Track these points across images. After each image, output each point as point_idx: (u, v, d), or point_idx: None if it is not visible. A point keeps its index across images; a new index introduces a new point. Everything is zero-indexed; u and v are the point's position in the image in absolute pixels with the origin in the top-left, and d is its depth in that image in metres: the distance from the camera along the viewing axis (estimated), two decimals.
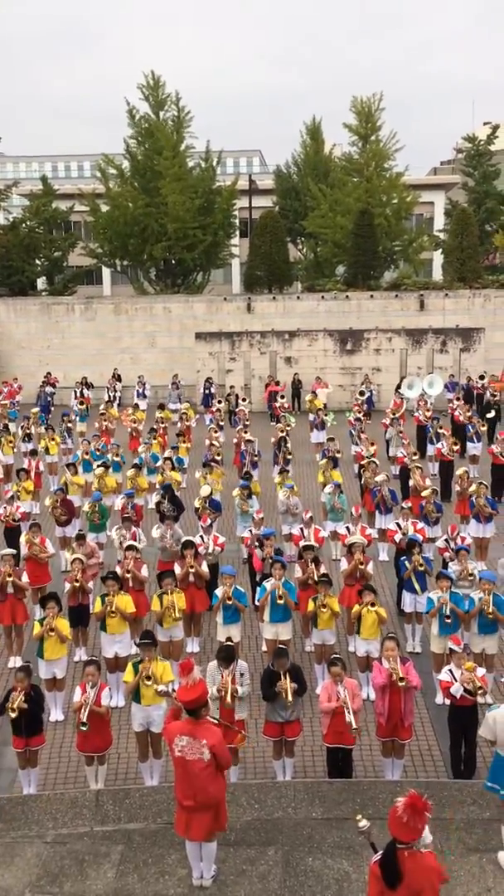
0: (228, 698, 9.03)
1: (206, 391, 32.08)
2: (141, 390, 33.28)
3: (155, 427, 23.38)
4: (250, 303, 37.69)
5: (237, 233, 44.28)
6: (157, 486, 18.57)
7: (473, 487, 16.28)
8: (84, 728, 9.00)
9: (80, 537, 14.29)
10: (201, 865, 7.58)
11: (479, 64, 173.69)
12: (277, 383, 33.16)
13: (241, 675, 9.25)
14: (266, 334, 35.25)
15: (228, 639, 11.39)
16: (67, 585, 12.58)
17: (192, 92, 66.14)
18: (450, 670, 9.39)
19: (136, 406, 28.21)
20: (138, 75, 44.47)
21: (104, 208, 40.17)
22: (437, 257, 45.37)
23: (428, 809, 5.67)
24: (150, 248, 39.36)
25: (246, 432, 22.34)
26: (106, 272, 48.57)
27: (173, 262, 41.18)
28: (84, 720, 8.97)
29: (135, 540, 13.82)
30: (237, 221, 43.38)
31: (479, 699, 9.30)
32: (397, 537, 14.20)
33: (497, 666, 11.94)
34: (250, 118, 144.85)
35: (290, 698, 9.00)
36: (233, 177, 43.60)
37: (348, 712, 8.82)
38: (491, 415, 24.59)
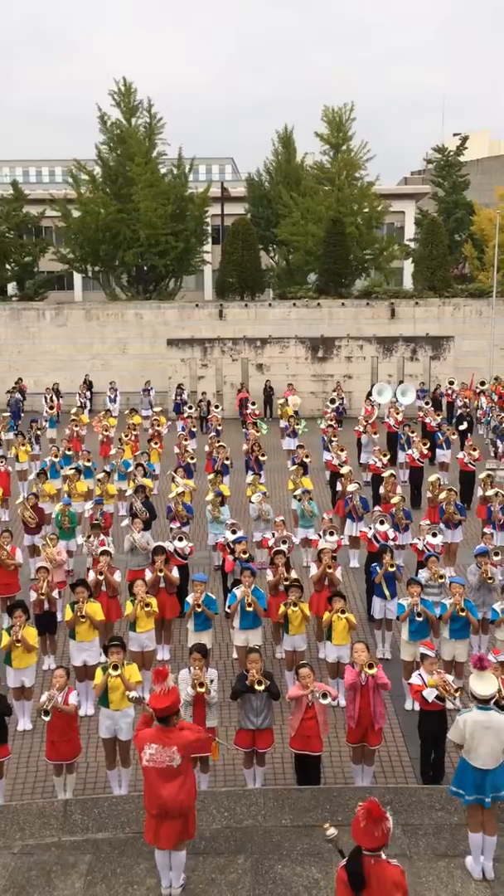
0: (200, 688, 9.04)
1: (178, 398, 32.02)
2: (112, 396, 33.14)
3: (126, 433, 23.28)
4: (222, 310, 37.72)
5: (209, 239, 44.31)
6: (128, 491, 18.53)
7: (444, 495, 16.42)
8: (46, 718, 8.91)
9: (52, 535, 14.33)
10: (170, 874, 7.53)
11: (449, 75, 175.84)
12: (247, 391, 33.26)
13: (211, 681, 9.25)
14: (238, 341, 35.30)
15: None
16: (34, 594, 12.48)
17: (164, 99, 66.39)
18: (420, 674, 9.45)
19: (108, 412, 28.08)
20: (110, 81, 44.40)
21: (75, 214, 40.01)
22: (408, 266, 45.80)
23: (384, 817, 5.70)
24: (122, 254, 39.26)
25: (218, 439, 22.35)
26: (77, 278, 48.36)
27: (145, 268, 41.12)
28: (48, 709, 8.89)
29: (104, 546, 13.75)
30: (209, 228, 43.41)
31: (449, 705, 9.37)
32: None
33: (467, 673, 12.02)
34: (223, 126, 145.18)
35: (259, 687, 8.99)
36: (205, 184, 43.67)
37: (315, 696, 8.88)
38: (463, 426, 24.83)
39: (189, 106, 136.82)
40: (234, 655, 12.49)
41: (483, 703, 7.77)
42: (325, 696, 8.98)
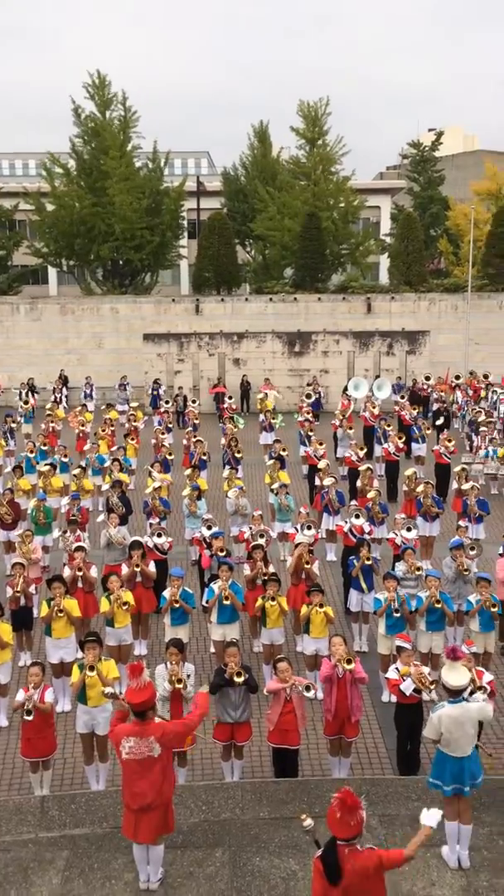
0: (177, 684, 9.04)
1: (154, 392, 31.93)
2: (88, 391, 32.96)
3: (102, 428, 23.17)
4: (198, 304, 37.63)
5: (185, 234, 44.17)
6: (103, 486, 18.47)
7: (421, 488, 16.54)
8: (29, 717, 8.87)
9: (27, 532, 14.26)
10: (148, 869, 7.53)
11: (425, 70, 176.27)
12: (224, 385, 33.29)
13: (188, 676, 9.25)
14: (214, 336, 35.23)
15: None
16: (9, 591, 12.40)
17: (139, 92, 65.98)
18: (396, 668, 9.51)
19: (84, 407, 27.97)
20: (84, 74, 44.02)
21: (50, 207, 39.70)
22: (384, 261, 45.96)
23: (358, 806, 5.74)
24: (97, 248, 39.02)
25: (195, 434, 22.33)
26: (52, 272, 48.02)
27: (121, 262, 40.90)
28: (29, 709, 8.85)
29: (80, 542, 13.68)
30: (185, 223, 43.29)
31: (425, 696, 9.44)
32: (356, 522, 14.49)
33: (443, 665, 12.11)
34: (198, 120, 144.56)
35: (239, 679, 9.00)
36: (181, 178, 43.48)
37: (297, 689, 8.91)
38: (440, 422, 24.98)
39: (164, 99, 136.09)
40: (212, 650, 12.49)
41: (455, 694, 7.82)
42: (308, 688, 9.02)
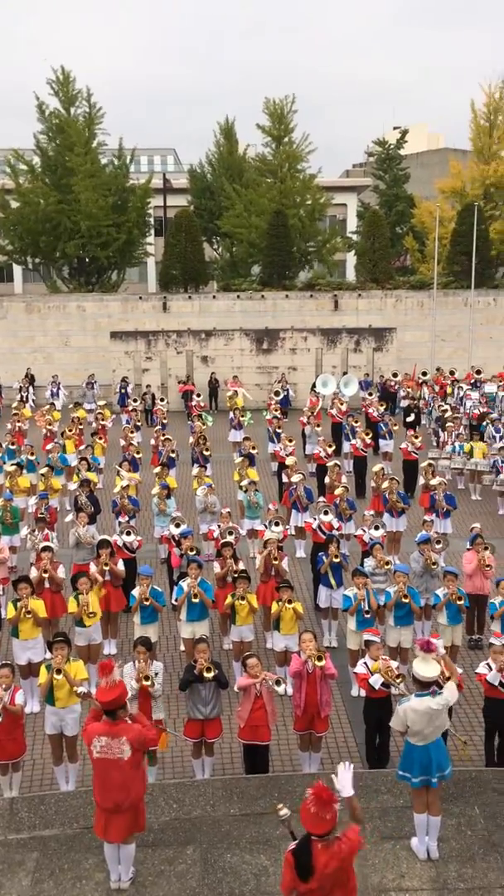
0: (144, 681, 9.02)
1: (122, 391, 31.78)
2: (55, 390, 32.68)
3: (70, 427, 22.98)
4: (166, 302, 37.51)
5: (152, 231, 43.98)
6: (70, 485, 18.36)
7: (386, 484, 16.66)
8: None
9: None
10: (119, 868, 7.51)
11: (390, 67, 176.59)
12: (193, 383, 33.26)
13: (156, 674, 9.23)
14: (182, 333, 35.14)
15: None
16: None
17: (104, 88, 65.49)
18: (365, 663, 9.57)
19: (52, 406, 27.74)
20: (48, 69, 43.58)
21: (14, 204, 39.29)
22: (350, 258, 46.16)
23: (333, 800, 5.77)
24: (63, 246, 38.70)
25: (164, 432, 22.27)
26: (17, 269, 47.51)
27: (87, 259, 40.62)
28: None
29: (48, 541, 13.58)
30: (152, 220, 43.10)
31: (394, 690, 9.52)
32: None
33: (412, 659, 12.20)
34: (164, 116, 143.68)
35: (209, 674, 9.01)
36: (147, 175, 43.28)
37: (267, 684, 8.94)
38: (411, 418, 25.18)
39: (130, 95, 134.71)
40: (182, 648, 12.48)
41: (424, 686, 7.90)
42: (278, 683, 9.06)
